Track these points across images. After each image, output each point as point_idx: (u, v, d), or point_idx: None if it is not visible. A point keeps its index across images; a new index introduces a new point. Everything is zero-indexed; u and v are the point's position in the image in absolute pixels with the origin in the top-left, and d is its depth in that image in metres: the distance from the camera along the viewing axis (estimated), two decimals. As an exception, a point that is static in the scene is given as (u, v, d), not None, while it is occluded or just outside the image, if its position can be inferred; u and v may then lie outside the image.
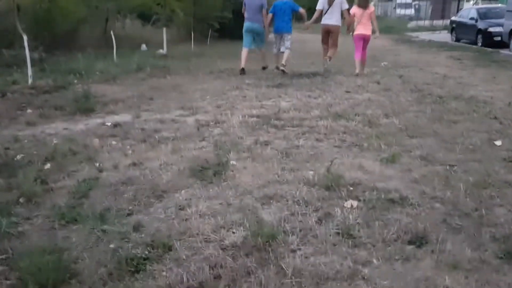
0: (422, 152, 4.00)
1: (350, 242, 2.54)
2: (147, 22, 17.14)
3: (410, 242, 2.54)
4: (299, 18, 10.20)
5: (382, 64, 11.02)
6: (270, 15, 8.51)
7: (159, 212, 2.99)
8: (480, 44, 16.26)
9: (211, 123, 5.06)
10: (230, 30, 17.49)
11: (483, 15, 16.87)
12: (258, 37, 8.49)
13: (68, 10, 11.75)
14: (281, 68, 8.39)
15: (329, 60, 8.66)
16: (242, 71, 8.34)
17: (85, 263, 2.39)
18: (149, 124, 5.12)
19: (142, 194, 3.26)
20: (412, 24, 30.43)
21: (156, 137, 4.59)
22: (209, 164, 3.65)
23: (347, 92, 6.87)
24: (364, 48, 8.61)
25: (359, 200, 3.02)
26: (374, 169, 3.59)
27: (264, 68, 8.83)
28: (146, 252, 2.47)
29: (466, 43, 17.41)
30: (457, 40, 18.58)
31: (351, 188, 3.20)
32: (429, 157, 3.87)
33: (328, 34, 8.58)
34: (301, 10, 8.64)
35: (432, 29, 26.70)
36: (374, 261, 2.37)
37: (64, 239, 2.65)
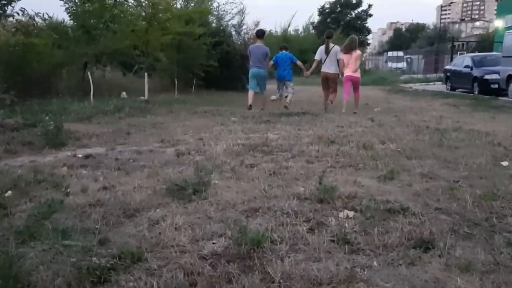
0: (422, 170, 3.96)
1: (347, 248, 2.39)
2: (129, 71, 17.52)
3: (414, 247, 2.40)
4: (298, 70, 11.94)
5: (376, 109, 11.29)
6: (271, 63, 10.08)
7: (130, 228, 2.82)
8: (476, 92, 16.60)
9: (193, 151, 5.01)
10: (216, 79, 17.97)
11: (478, 62, 17.43)
12: (261, 82, 9.76)
13: (44, 55, 11.98)
14: (285, 104, 9.78)
15: (331, 103, 9.69)
16: (250, 107, 9.62)
17: (41, 275, 2.20)
18: (124, 154, 5.02)
19: (112, 214, 3.10)
20: (405, 76, 31.63)
21: (132, 165, 4.48)
22: (189, 183, 3.53)
23: (339, 126, 7.02)
24: (355, 89, 9.73)
25: (355, 211, 2.90)
26: (371, 184, 3.53)
27: (262, 109, 9.79)
28: (112, 263, 2.29)
29: (462, 92, 17.84)
30: (453, 89, 19.03)
31: (347, 200, 3.08)
32: (431, 174, 3.82)
33: (327, 81, 9.78)
34: (299, 63, 10.09)
35: (426, 80, 27.73)
36: (375, 264, 2.22)
37: (19, 253, 2.46)
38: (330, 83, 9.74)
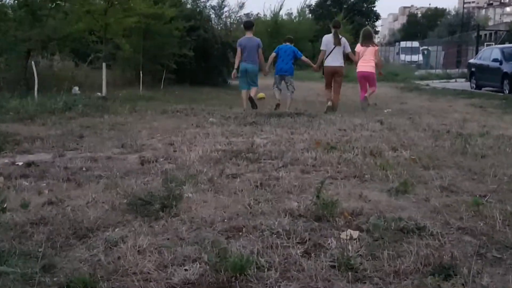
0: (442, 182, 4.00)
1: (350, 276, 2.39)
2: (83, 62, 17.41)
3: (433, 274, 2.41)
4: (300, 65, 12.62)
5: (385, 111, 11.40)
6: (273, 54, 10.72)
7: (81, 251, 2.79)
8: (507, 91, 16.55)
9: (161, 159, 5.01)
10: (191, 72, 17.99)
11: (509, 56, 17.36)
12: (252, 77, 10.33)
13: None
14: (277, 102, 10.50)
15: (333, 108, 10.17)
16: (247, 108, 10.11)
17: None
18: (75, 162, 4.98)
19: (59, 234, 3.06)
20: (421, 71, 32.02)
21: (85, 175, 4.44)
22: (155, 197, 3.51)
23: (341, 130, 7.10)
24: (371, 85, 10.49)
25: (361, 230, 2.91)
26: (380, 199, 3.56)
27: (253, 107, 10.17)
28: (57, 293, 2.25)
29: (489, 90, 17.96)
30: (478, 87, 19.06)
31: (350, 217, 3.09)
32: (452, 188, 3.86)
33: (333, 76, 10.35)
34: (304, 58, 11.01)
35: (446, 76, 28.09)
36: (385, 294, 2.22)
37: None
38: (336, 77, 10.32)
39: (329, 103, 10.27)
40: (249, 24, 10.96)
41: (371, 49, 10.34)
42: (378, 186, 3.94)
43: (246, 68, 10.22)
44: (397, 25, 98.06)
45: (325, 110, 10.09)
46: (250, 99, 10.11)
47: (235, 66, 10.66)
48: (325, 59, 10.38)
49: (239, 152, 5.20)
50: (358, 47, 10.43)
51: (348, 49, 10.47)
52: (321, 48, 10.52)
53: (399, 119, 8.63)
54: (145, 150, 5.60)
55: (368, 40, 10.43)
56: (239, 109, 9.93)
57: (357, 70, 10.46)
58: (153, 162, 4.88)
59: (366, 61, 10.34)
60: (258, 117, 8.62)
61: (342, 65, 10.38)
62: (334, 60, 10.26)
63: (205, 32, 18.88)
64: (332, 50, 10.27)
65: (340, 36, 10.43)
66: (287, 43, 11.01)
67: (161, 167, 4.65)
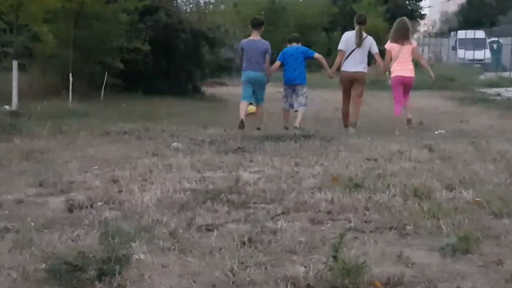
0: (522, 237, 4.00)
1: None
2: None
3: None
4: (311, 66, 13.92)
5: (437, 132, 11.50)
6: (277, 63, 11.99)
7: None
8: None
9: (99, 203, 5.00)
10: (146, 75, 18.00)
11: None
12: (259, 89, 11.77)
13: None
14: (295, 131, 10.78)
15: (354, 128, 11.09)
16: (242, 124, 11.09)
17: None
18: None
19: None
20: (489, 75, 32.29)
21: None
22: (90, 260, 3.48)
23: (370, 159, 7.13)
24: (405, 94, 11.32)
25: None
26: (429, 262, 3.57)
27: (258, 129, 11.23)
28: None
29: None
30: None
31: (384, 289, 3.09)
32: (537, 245, 3.86)
33: (352, 85, 11.38)
34: (317, 56, 12.12)
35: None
36: None
37: None
38: (356, 86, 11.34)
39: (351, 131, 10.88)
40: (258, 22, 12.13)
41: (408, 48, 11.14)
42: (426, 242, 3.95)
43: (252, 76, 11.58)
44: (453, 6, 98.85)
45: (347, 128, 11.03)
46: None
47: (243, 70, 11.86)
48: (343, 62, 11.33)
49: (217, 193, 5.18)
50: (390, 45, 11.26)
51: (375, 50, 11.39)
52: (339, 48, 11.54)
53: (456, 145, 8.66)
54: (75, 190, 5.56)
55: (405, 35, 11.25)
56: (217, 129, 9.98)
57: (394, 74, 11.18)
58: (86, 207, 4.85)
59: (405, 64, 11.12)
60: (246, 141, 8.64)
61: (365, 71, 11.39)
62: (354, 64, 11.21)
63: (168, 16, 19.05)
64: (352, 52, 11.21)
65: (365, 35, 11.31)
66: (293, 44, 12.06)
67: (99, 215, 4.62)
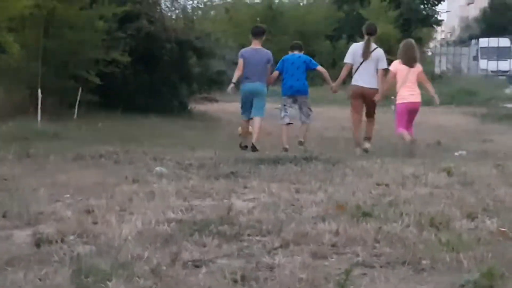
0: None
1: None
2: None
3: None
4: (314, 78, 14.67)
5: (457, 153, 11.54)
6: (275, 72, 12.51)
7: None
8: None
9: (71, 236, 4.93)
10: (126, 90, 18.00)
11: None
12: (258, 102, 12.10)
13: None
14: (299, 146, 11.72)
15: (369, 143, 11.70)
16: (245, 148, 11.82)
17: None
18: None
19: None
20: (516, 88, 32.46)
21: None
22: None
23: (381, 184, 7.12)
24: (410, 121, 11.60)
25: None
26: (448, 302, 3.51)
27: (254, 148, 11.68)
28: None
29: None
30: None
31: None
32: None
33: (363, 101, 11.81)
34: (320, 69, 12.67)
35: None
36: None
37: None
38: (368, 105, 11.82)
39: (366, 145, 11.54)
40: (259, 31, 12.72)
41: (415, 71, 11.42)
42: (444, 278, 3.91)
43: (252, 88, 12.04)
44: (474, 11, 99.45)
45: (360, 148, 11.48)
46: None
47: (233, 80, 12.45)
48: (353, 76, 11.83)
49: (207, 224, 5.15)
50: (398, 67, 11.44)
51: (382, 65, 11.78)
52: (345, 60, 12.08)
53: (479, 167, 8.68)
54: (43, 222, 5.49)
55: (414, 58, 11.51)
56: (207, 151, 9.98)
57: (404, 101, 11.36)
58: (56, 242, 4.78)
59: (413, 88, 11.39)
60: (239, 164, 8.64)
61: (376, 86, 11.64)
62: (365, 79, 11.63)
63: (150, 24, 19.08)
64: (360, 65, 11.67)
65: (374, 47, 11.80)
66: (295, 52, 12.47)
67: (70, 251, 4.56)
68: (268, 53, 12.20)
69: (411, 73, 11.34)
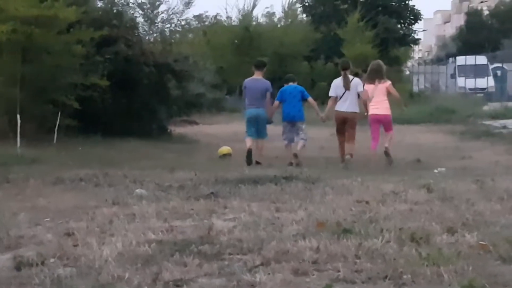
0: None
1: None
2: None
3: None
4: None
5: (436, 171, 11.63)
6: (276, 103, 14.37)
7: None
8: None
9: (51, 259, 4.92)
10: (105, 115, 17.94)
11: None
12: (261, 125, 13.99)
13: None
14: (293, 161, 13.46)
15: (351, 157, 13.33)
16: (249, 161, 13.34)
17: None
18: None
19: None
20: (493, 105, 32.56)
21: None
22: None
23: (361, 201, 7.18)
24: (387, 129, 13.63)
25: None
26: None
27: (258, 163, 13.47)
28: None
29: None
30: None
31: None
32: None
33: (344, 124, 13.72)
34: (311, 100, 14.61)
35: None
36: None
37: None
38: (346, 126, 13.66)
39: (347, 156, 13.21)
40: (260, 63, 14.87)
41: (381, 87, 13.48)
42: (425, 293, 3.92)
43: (254, 113, 13.84)
44: (450, 30, 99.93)
45: (345, 164, 12.99)
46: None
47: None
48: (337, 103, 13.77)
49: (187, 244, 5.17)
50: (366, 86, 13.63)
51: (360, 89, 13.71)
52: (330, 94, 14.04)
53: (458, 183, 8.76)
54: (24, 245, 5.50)
55: (377, 75, 13.66)
56: (187, 173, 10.02)
57: (370, 113, 13.54)
58: (37, 265, 4.77)
59: (379, 102, 13.40)
60: (219, 184, 8.69)
61: (356, 111, 13.77)
62: (346, 105, 13.62)
63: (128, 48, 19.04)
64: (342, 95, 13.65)
65: (351, 77, 13.87)
66: (290, 84, 14.48)
67: (51, 273, 4.55)
68: (266, 83, 14.05)
69: (377, 90, 13.41)
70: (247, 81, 14.23)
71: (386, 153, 13.09)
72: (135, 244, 5.28)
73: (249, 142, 13.73)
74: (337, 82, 13.93)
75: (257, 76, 14.14)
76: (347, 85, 13.59)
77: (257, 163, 13.50)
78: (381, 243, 5.01)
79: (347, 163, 13.01)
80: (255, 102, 13.91)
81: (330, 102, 14.10)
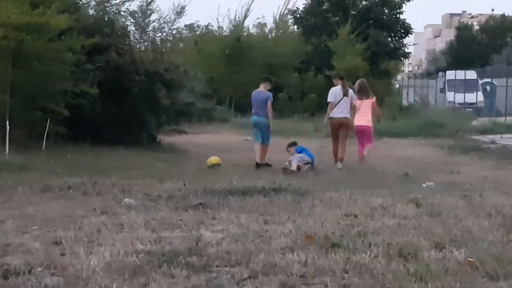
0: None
1: None
2: None
3: None
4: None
5: (424, 185, 11.67)
6: (331, 104, 15.89)
7: None
8: None
9: (38, 268, 4.90)
10: (94, 123, 17.92)
11: None
12: (263, 131, 15.96)
13: None
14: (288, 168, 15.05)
15: (341, 163, 15.11)
16: (257, 165, 15.38)
17: None
18: None
19: None
20: (482, 120, 32.72)
21: None
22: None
23: (349, 215, 7.15)
24: (368, 141, 15.63)
25: None
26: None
27: (258, 165, 15.38)
28: None
29: None
30: None
31: None
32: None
33: (339, 128, 15.46)
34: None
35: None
36: None
37: None
38: (342, 130, 15.42)
39: (339, 165, 14.93)
40: (264, 78, 17.12)
41: (367, 102, 15.56)
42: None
43: (257, 120, 16.10)
44: (441, 44, 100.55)
45: (339, 165, 14.90)
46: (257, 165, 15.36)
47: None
48: (334, 110, 15.47)
49: (175, 255, 5.13)
50: (355, 101, 15.60)
51: (354, 97, 15.57)
52: (329, 100, 15.66)
53: (446, 198, 8.73)
54: (11, 253, 5.45)
55: (363, 92, 15.77)
56: (176, 183, 10.00)
57: (354, 124, 15.50)
58: (24, 273, 4.74)
59: (362, 115, 15.45)
60: (208, 195, 8.67)
61: (349, 116, 15.45)
62: (341, 111, 15.33)
63: (119, 56, 19.05)
64: (340, 101, 15.30)
65: (348, 88, 15.63)
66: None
67: (38, 283, 4.54)
68: (267, 93, 16.18)
69: (363, 104, 15.56)
70: (253, 92, 16.55)
71: (362, 158, 15.51)
72: (123, 254, 5.25)
73: (257, 153, 15.62)
74: (335, 90, 15.60)
75: (261, 88, 16.37)
76: (346, 92, 15.35)
77: (267, 165, 15.64)
78: (369, 257, 4.99)
79: (337, 171, 14.41)
80: (258, 110, 16.08)
81: (329, 108, 15.68)
